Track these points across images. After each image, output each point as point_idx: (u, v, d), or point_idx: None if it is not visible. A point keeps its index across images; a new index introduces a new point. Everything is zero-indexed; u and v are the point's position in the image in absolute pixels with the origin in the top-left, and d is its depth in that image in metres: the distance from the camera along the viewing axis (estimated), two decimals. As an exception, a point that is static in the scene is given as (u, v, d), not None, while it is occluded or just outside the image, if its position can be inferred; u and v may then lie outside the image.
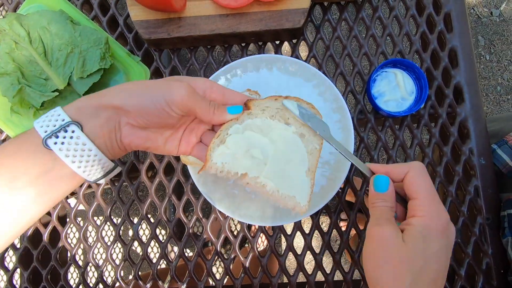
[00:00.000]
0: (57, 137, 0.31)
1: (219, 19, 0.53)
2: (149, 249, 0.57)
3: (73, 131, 0.31)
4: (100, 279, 0.56)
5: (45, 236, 0.56)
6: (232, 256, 0.56)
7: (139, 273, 0.56)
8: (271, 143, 0.39)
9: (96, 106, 0.33)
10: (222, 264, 0.56)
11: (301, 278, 0.54)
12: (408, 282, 0.31)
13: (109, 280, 0.56)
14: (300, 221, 0.54)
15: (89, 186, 0.58)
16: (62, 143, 0.31)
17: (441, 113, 0.56)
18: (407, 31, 0.58)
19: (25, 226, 0.32)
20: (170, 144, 0.38)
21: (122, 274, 0.56)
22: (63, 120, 0.31)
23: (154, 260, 0.56)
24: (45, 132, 0.31)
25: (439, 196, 0.35)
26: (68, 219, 0.57)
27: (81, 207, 0.58)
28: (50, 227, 0.57)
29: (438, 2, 0.58)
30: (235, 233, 0.55)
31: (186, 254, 0.56)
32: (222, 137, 0.38)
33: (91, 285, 0.56)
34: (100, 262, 0.56)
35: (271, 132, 0.40)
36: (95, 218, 0.57)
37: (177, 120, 0.35)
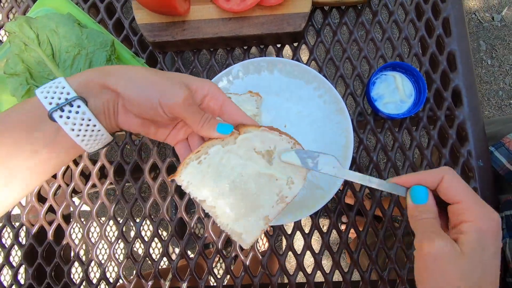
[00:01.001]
0: (62, 110, 0.31)
1: (221, 23, 0.54)
2: (151, 249, 0.58)
3: (78, 106, 0.32)
4: (103, 276, 0.57)
5: (50, 234, 0.57)
6: (233, 255, 0.56)
7: (141, 271, 0.56)
8: (243, 178, 0.38)
9: (101, 84, 0.33)
10: (223, 265, 0.57)
11: (300, 278, 0.55)
12: None
13: (111, 280, 0.57)
14: (300, 221, 0.55)
15: (94, 186, 0.59)
16: (68, 117, 0.31)
17: (439, 116, 0.57)
18: (406, 35, 0.59)
19: (22, 196, 0.33)
20: (160, 133, 0.38)
21: (124, 273, 0.57)
22: (68, 93, 0.31)
23: (156, 259, 0.57)
24: (50, 104, 0.31)
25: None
26: (72, 218, 0.59)
27: (85, 207, 0.59)
28: (54, 225, 0.58)
29: (437, 7, 0.59)
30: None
31: (188, 255, 0.57)
32: (200, 155, 0.37)
33: (94, 282, 0.57)
34: (103, 260, 0.57)
35: (249, 166, 0.38)
36: (99, 218, 0.58)
37: (167, 121, 0.35)
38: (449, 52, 0.58)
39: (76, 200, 0.60)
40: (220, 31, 0.54)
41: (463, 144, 0.56)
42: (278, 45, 0.60)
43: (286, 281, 0.56)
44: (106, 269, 0.57)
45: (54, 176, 0.59)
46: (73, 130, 0.32)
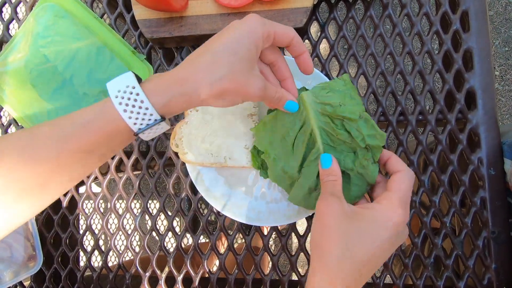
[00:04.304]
0: (146, 129, 0.34)
1: (220, 19, 0.52)
2: (159, 221, 0.59)
3: (159, 124, 0.34)
4: (112, 246, 0.60)
5: (64, 203, 0.61)
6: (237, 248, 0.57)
7: (148, 245, 0.59)
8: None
9: (186, 107, 0.35)
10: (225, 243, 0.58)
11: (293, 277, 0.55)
12: (338, 252, 0.33)
13: (120, 249, 0.60)
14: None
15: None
16: (150, 133, 0.35)
17: (450, 119, 0.53)
18: (419, 30, 0.54)
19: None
20: None
21: (132, 244, 0.59)
22: (151, 114, 0.33)
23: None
24: (134, 124, 0.33)
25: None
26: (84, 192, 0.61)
27: (95, 188, 0.61)
28: (69, 196, 0.61)
29: (455, -1, 0.54)
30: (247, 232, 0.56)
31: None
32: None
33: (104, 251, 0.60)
34: (112, 230, 0.60)
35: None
36: (109, 192, 0.60)
37: None
38: (465, 50, 0.53)
39: (95, 189, 0.62)
40: (218, 27, 0.52)
41: (474, 151, 0.53)
42: (280, 41, 0.57)
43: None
44: (116, 240, 0.60)
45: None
46: (148, 137, 0.36)
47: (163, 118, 0.34)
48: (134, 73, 0.35)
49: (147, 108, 0.33)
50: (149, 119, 0.33)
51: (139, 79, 0.34)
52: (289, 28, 0.37)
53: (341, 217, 0.34)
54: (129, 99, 0.32)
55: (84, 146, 0.33)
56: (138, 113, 0.33)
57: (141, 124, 0.33)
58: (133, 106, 0.33)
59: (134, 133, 0.34)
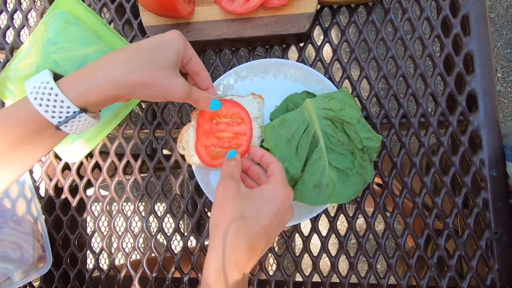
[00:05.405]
0: (67, 122, 0.36)
1: (225, 24, 0.54)
2: (164, 225, 0.60)
3: (80, 116, 0.36)
4: (120, 248, 0.61)
5: (73, 205, 0.62)
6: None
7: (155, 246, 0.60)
8: None
9: (103, 99, 0.36)
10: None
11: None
12: (235, 226, 0.36)
13: (127, 250, 0.61)
14: (318, 223, 0.55)
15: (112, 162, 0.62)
16: (72, 126, 0.37)
17: (452, 121, 0.54)
18: (420, 34, 0.56)
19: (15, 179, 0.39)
20: None
21: (139, 245, 0.60)
22: (69, 107, 0.35)
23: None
24: (53, 118, 0.35)
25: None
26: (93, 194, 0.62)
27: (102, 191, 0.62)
28: (77, 198, 0.62)
29: (456, 3, 0.55)
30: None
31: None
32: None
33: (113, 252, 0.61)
34: (120, 233, 0.61)
35: None
36: (117, 194, 0.61)
37: None
38: (466, 53, 0.54)
39: (103, 192, 0.63)
40: (223, 32, 0.54)
41: (475, 152, 0.53)
42: (284, 45, 0.58)
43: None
44: (125, 241, 0.61)
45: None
46: (75, 133, 0.38)
47: (83, 110, 0.36)
48: (52, 70, 0.37)
49: (62, 101, 0.35)
50: (68, 112, 0.35)
51: (59, 77, 0.37)
52: (202, 63, 0.45)
53: (236, 196, 0.37)
54: (43, 93, 0.34)
55: (9, 140, 0.35)
56: (54, 106, 0.34)
57: (60, 117, 0.35)
58: (48, 100, 0.34)
59: (55, 126, 0.36)
